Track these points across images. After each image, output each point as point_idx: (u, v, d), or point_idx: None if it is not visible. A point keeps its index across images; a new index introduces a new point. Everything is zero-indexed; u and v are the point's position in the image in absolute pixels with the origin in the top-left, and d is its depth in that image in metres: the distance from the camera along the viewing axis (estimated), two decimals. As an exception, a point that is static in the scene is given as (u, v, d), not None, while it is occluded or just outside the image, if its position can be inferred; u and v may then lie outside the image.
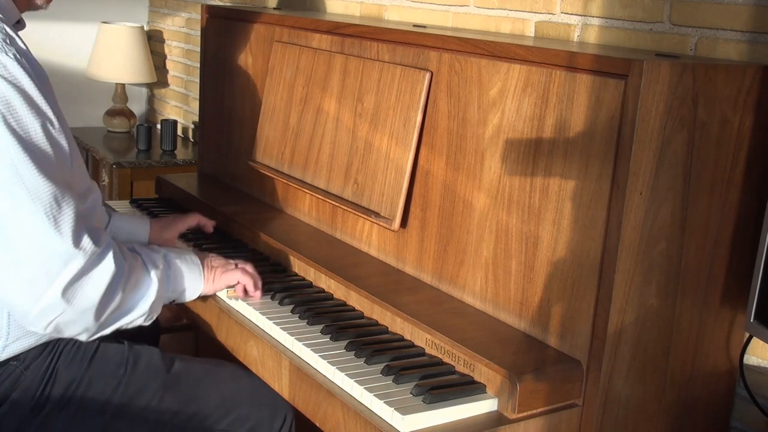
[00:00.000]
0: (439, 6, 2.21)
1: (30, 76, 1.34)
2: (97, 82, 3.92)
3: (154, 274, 1.51)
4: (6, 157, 1.29)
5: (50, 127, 1.35)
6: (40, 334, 1.50)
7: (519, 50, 1.47)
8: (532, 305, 1.46)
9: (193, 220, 2.04)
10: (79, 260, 1.35)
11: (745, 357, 1.55)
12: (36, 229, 1.31)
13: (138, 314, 1.49)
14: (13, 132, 1.30)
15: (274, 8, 2.67)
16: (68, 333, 1.43)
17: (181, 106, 3.95)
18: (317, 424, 1.42)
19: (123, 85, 3.96)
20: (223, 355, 1.74)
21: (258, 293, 1.70)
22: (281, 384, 1.52)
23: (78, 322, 1.41)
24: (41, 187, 1.31)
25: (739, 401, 1.59)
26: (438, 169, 1.64)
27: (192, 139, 3.85)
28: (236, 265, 1.70)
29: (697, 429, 1.55)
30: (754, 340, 1.54)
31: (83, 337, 1.46)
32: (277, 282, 1.76)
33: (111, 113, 3.96)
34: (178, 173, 2.77)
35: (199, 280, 1.65)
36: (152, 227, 1.95)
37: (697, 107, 1.34)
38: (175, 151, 3.60)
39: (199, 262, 1.66)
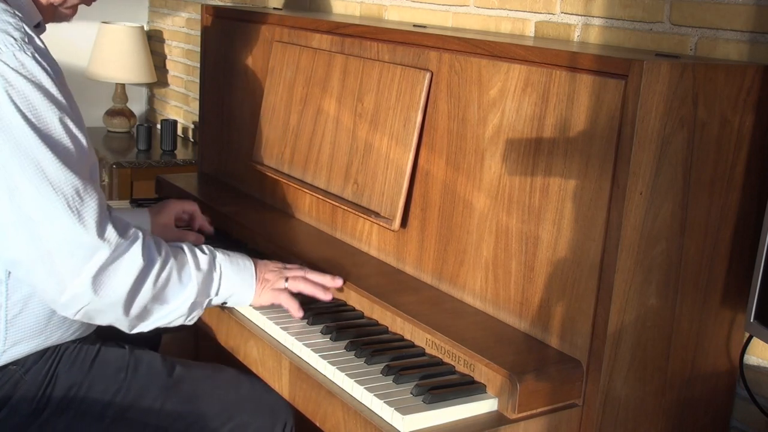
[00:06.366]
0: (439, 6, 2.21)
1: (48, 73, 1.37)
2: (97, 82, 3.92)
3: (194, 274, 1.50)
4: (29, 153, 1.32)
5: (68, 122, 1.38)
6: (40, 340, 1.51)
7: (519, 50, 1.47)
8: (532, 305, 1.46)
9: (190, 206, 1.98)
10: (104, 251, 1.37)
11: (745, 357, 1.55)
12: (60, 222, 1.34)
13: (177, 314, 1.49)
14: (35, 128, 1.33)
15: (274, 8, 2.67)
16: (99, 321, 1.46)
17: (181, 106, 3.95)
18: (317, 424, 1.42)
19: (123, 85, 3.96)
20: (223, 355, 1.74)
21: (300, 314, 1.59)
22: (281, 384, 1.52)
23: (107, 313, 1.42)
24: (63, 180, 1.34)
25: (739, 401, 1.59)
26: (438, 169, 1.64)
27: (192, 139, 3.85)
28: (287, 278, 1.62)
29: (697, 429, 1.55)
30: (754, 340, 1.54)
31: (124, 329, 1.48)
32: (277, 282, 1.76)
33: (111, 113, 3.96)
34: (178, 173, 2.77)
35: (249, 287, 1.60)
36: (150, 215, 1.91)
37: (697, 107, 1.34)
38: (175, 151, 3.60)
39: (252, 267, 1.60)
